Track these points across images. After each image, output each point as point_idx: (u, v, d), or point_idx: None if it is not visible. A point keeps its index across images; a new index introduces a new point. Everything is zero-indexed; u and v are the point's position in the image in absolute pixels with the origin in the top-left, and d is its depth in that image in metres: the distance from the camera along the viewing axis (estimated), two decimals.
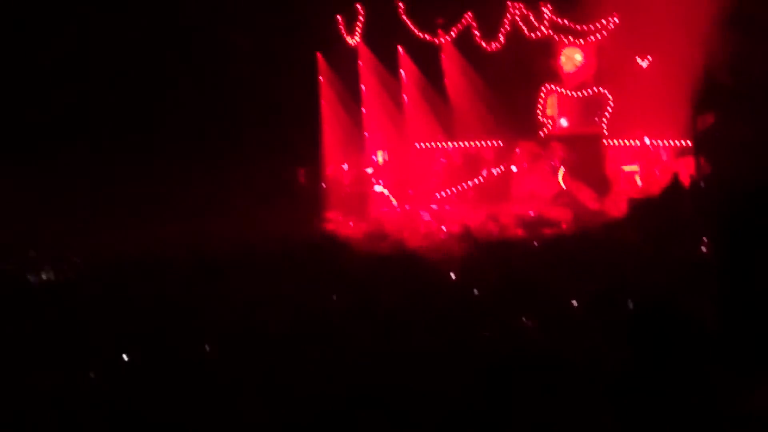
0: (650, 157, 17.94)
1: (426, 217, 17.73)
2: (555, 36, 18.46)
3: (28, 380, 6.34)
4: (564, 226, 15.98)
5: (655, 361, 4.31)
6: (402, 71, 19.73)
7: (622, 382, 4.60)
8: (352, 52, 19.74)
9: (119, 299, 8.56)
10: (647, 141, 17.87)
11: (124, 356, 6.66)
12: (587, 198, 17.59)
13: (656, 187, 15.88)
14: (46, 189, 16.75)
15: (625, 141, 18.05)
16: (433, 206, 18.47)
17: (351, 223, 18.06)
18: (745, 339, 2.47)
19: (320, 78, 19.90)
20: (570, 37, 18.44)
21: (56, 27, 17.88)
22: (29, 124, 17.71)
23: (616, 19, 17.87)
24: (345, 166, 19.85)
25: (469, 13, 18.93)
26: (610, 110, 18.13)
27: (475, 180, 18.92)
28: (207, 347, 6.92)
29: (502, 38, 18.69)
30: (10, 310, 8.33)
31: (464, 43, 19.15)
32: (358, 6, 19.36)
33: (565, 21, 18.25)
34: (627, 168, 18.11)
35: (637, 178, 17.93)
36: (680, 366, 4.20)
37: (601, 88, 18.31)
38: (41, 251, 12.56)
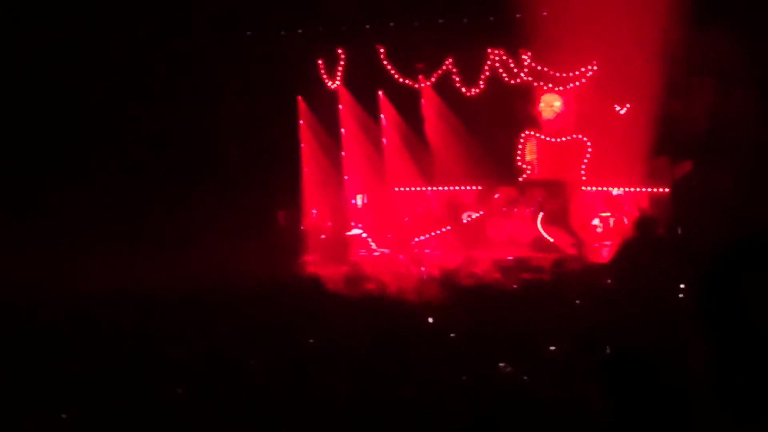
0: (628, 203, 18.01)
1: (405, 260, 17.69)
2: (534, 82, 18.58)
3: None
4: (542, 271, 15.97)
5: (636, 408, 4.26)
6: (382, 115, 19.80)
7: (602, 429, 4.55)
8: (333, 95, 19.81)
9: (87, 337, 8.42)
10: (625, 188, 17.95)
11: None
12: (565, 243, 17.62)
13: (633, 234, 15.93)
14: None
15: (604, 187, 18.12)
16: (413, 250, 18.44)
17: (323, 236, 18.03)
18: (726, 387, 2.42)
19: (300, 121, 19.93)
20: (549, 84, 18.57)
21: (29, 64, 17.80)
22: None
23: (594, 66, 18.02)
24: (314, 211, 19.80)
25: (450, 59, 19.05)
26: (589, 156, 18.23)
27: (454, 224, 18.92)
28: (178, 390, 6.82)
29: (482, 84, 18.81)
30: None
31: (444, 88, 19.25)
32: (339, 50, 19.46)
33: (545, 68, 18.38)
34: (604, 214, 18.16)
35: (617, 222, 17.97)
36: (661, 414, 4.16)
37: (579, 135, 18.42)
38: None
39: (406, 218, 19.58)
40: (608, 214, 18.10)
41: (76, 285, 11.95)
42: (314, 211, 19.85)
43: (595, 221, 18.13)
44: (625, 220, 17.63)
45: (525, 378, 7.33)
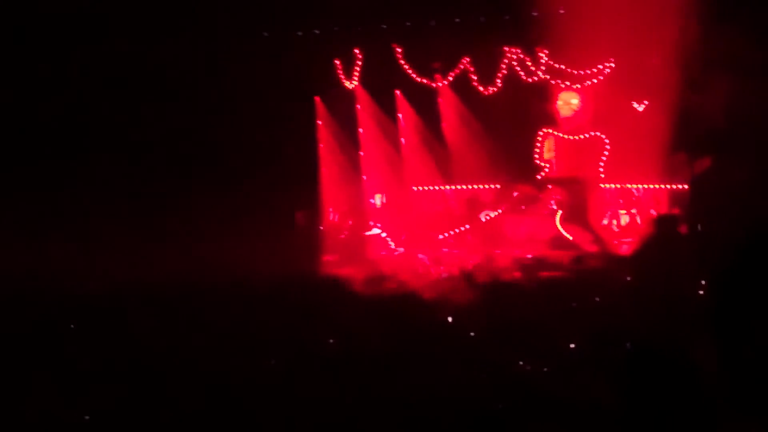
0: (647, 200, 17.96)
1: (424, 259, 17.70)
2: (552, 80, 18.55)
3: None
4: (561, 269, 15.95)
5: (654, 404, 4.28)
6: (400, 115, 19.82)
7: (620, 425, 4.56)
8: (350, 96, 19.84)
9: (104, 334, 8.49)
10: (644, 185, 17.90)
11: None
12: (584, 241, 17.59)
13: (652, 231, 15.88)
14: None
15: (622, 184, 18.07)
16: (432, 249, 18.45)
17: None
18: (744, 383, 2.44)
19: (318, 122, 19.98)
20: (566, 82, 18.53)
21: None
22: None
23: (612, 63, 17.97)
24: (331, 211, 19.85)
25: (466, 58, 19.04)
26: (607, 154, 18.19)
27: (473, 223, 18.92)
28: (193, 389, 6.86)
29: (499, 82, 18.80)
30: None
31: (461, 87, 19.25)
32: (356, 51, 19.49)
33: (562, 66, 18.35)
34: (623, 211, 18.12)
35: (636, 219, 17.93)
36: (680, 409, 4.17)
37: (597, 132, 18.38)
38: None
39: (425, 217, 19.58)
40: (627, 211, 18.05)
41: (101, 281, 12.07)
42: (332, 211, 19.89)
43: (614, 219, 18.08)
44: (643, 218, 17.59)
45: (544, 375, 7.34)
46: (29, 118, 17.98)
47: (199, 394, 6.82)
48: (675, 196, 17.49)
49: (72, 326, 9.09)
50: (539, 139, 18.77)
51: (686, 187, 16.98)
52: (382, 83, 19.44)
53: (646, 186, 17.91)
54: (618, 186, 18.13)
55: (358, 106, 19.89)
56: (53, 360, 7.77)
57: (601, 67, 18.11)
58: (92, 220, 16.99)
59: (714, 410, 3.86)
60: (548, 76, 18.49)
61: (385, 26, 19.13)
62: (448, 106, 19.57)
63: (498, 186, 19.08)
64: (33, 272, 12.91)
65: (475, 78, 18.96)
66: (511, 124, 18.57)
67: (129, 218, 17.36)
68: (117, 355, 7.77)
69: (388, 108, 19.77)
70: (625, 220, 18.04)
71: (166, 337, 8.35)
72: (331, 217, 19.86)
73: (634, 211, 18.01)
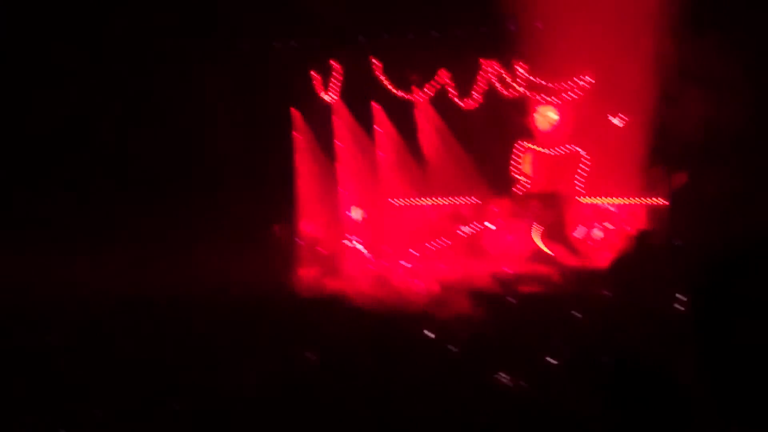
0: (625, 215, 17.95)
1: (401, 273, 17.61)
2: (529, 94, 18.55)
3: None
4: (540, 283, 15.91)
5: (637, 417, 4.20)
6: (377, 127, 19.75)
7: None
8: (327, 108, 19.76)
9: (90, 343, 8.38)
10: (622, 199, 17.91)
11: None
12: (563, 255, 17.55)
13: (631, 245, 15.89)
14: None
15: (600, 199, 18.07)
16: (408, 264, 18.36)
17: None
18: (727, 394, 2.39)
19: (294, 133, 19.88)
20: (544, 95, 18.53)
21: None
22: None
23: (590, 77, 18.00)
24: (308, 224, 19.74)
25: (444, 71, 19.01)
26: (585, 168, 18.19)
27: (451, 237, 18.85)
28: (174, 404, 6.74)
29: (476, 96, 18.77)
30: None
31: (439, 100, 19.21)
32: (333, 62, 19.42)
33: (540, 79, 18.34)
34: (601, 225, 18.10)
35: (614, 233, 17.92)
36: (663, 423, 4.10)
37: (575, 146, 18.38)
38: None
39: (403, 231, 19.51)
40: (605, 225, 18.04)
41: (77, 289, 11.96)
42: (308, 224, 19.77)
43: (592, 233, 18.06)
44: (622, 232, 17.57)
45: (525, 390, 7.27)
46: (21, 123, 17.85)
47: (179, 408, 6.71)
48: (653, 210, 17.50)
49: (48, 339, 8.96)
50: (517, 152, 18.74)
51: (665, 201, 17.02)
52: (359, 95, 19.37)
53: (624, 200, 17.91)
54: (596, 200, 18.11)
55: (335, 118, 19.80)
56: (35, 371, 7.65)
57: (578, 81, 18.12)
58: (66, 230, 16.81)
59: (697, 422, 3.81)
60: (526, 90, 18.48)
61: (362, 38, 19.09)
62: (426, 119, 19.52)
63: (476, 200, 19.03)
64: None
65: (453, 91, 18.93)
66: (488, 137, 18.54)
67: (102, 229, 17.20)
68: (94, 368, 7.65)
69: (365, 120, 19.69)
70: (603, 234, 18.01)
71: (142, 350, 8.23)
72: (307, 230, 19.73)
73: (612, 225, 17.99)
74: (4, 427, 6.45)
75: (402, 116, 19.41)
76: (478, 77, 18.74)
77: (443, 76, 19.03)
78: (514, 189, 18.74)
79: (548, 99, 18.56)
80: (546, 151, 18.71)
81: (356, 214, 19.97)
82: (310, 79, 19.57)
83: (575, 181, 18.31)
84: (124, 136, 18.05)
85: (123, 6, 17.53)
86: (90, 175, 17.96)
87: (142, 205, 17.50)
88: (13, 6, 17.37)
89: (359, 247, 19.28)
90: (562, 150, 18.57)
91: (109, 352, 8.23)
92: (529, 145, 18.79)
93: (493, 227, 18.62)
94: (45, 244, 15.80)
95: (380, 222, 19.67)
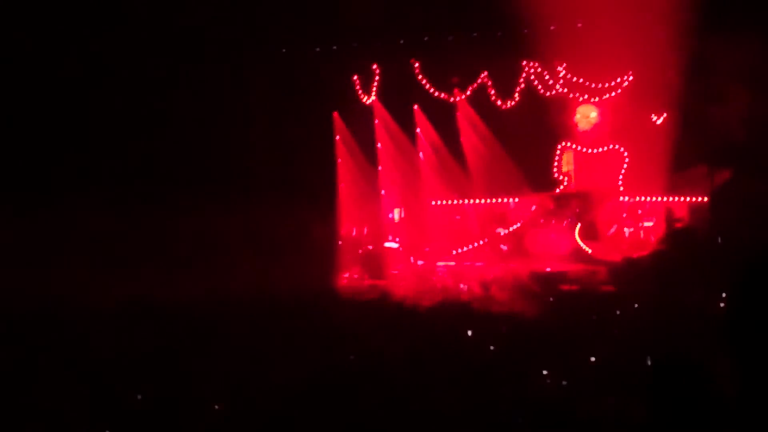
0: (667, 213, 17.88)
1: (442, 273, 17.68)
2: (570, 94, 18.55)
3: None
4: (581, 282, 15.90)
5: (676, 419, 4.28)
6: (418, 129, 19.85)
7: None
8: (369, 111, 19.90)
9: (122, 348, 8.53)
10: (663, 197, 17.84)
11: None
12: (604, 254, 17.51)
13: (672, 244, 15.82)
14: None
15: (642, 197, 18.02)
16: (450, 263, 18.44)
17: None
18: (763, 397, 2.44)
19: (337, 137, 20.05)
20: (585, 95, 18.52)
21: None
22: None
23: (630, 76, 17.96)
24: (350, 226, 19.88)
25: (485, 72, 19.07)
26: (626, 167, 18.15)
27: (491, 237, 18.90)
28: (216, 406, 6.88)
29: (517, 96, 18.81)
30: None
31: (479, 101, 19.26)
32: (375, 66, 19.56)
33: (580, 79, 18.34)
34: (643, 224, 18.05)
35: (655, 232, 17.86)
36: (703, 423, 4.17)
37: (616, 145, 18.35)
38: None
39: (443, 232, 19.57)
40: (647, 224, 17.99)
41: (115, 295, 12.14)
42: (350, 226, 19.92)
43: (634, 231, 18.02)
44: (663, 230, 17.51)
45: (564, 389, 7.33)
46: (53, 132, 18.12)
47: (218, 407, 6.85)
48: (694, 208, 17.43)
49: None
50: (558, 152, 18.75)
51: (706, 199, 16.93)
52: (400, 98, 19.48)
53: (665, 198, 17.84)
54: (637, 198, 18.06)
55: (377, 122, 19.94)
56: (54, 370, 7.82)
57: (619, 80, 18.09)
58: (108, 233, 17.06)
59: (736, 422, 3.86)
60: (566, 90, 18.49)
61: (402, 41, 19.19)
62: (466, 120, 19.57)
63: (517, 200, 19.06)
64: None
65: (493, 92, 18.98)
66: (529, 137, 18.54)
67: (147, 234, 17.42)
68: (135, 367, 7.82)
69: (406, 123, 19.80)
70: (644, 232, 17.96)
71: (183, 351, 8.39)
72: (349, 232, 19.88)
73: (652, 223, 17.93)
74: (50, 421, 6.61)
75: (443, 118, 19.49)
76: (519, 78, 18.78)
77: (484, 78, 19.09)
78: (554, 189, 18.74)
79: (589, 98, 18.55)
80: (587, 150, 18.70)
81: (397, 215, 20.09)
82: (351, 83, 19.73)
83: (616, 180, 18.28)
84: (172, 143, 18.26)
85: (168, 11, 17.74)
86: (145, 181, 18.18)
87: (185, 210, 17.70)
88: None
89: (400, 248, 19.39)
90: (602, 149, 18.55)
91: (152, 353, 8.38)
92: (570, 144, 18.79)
93: (533, 227, 18.64)
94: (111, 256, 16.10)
95: (422, 223, 19.76)
